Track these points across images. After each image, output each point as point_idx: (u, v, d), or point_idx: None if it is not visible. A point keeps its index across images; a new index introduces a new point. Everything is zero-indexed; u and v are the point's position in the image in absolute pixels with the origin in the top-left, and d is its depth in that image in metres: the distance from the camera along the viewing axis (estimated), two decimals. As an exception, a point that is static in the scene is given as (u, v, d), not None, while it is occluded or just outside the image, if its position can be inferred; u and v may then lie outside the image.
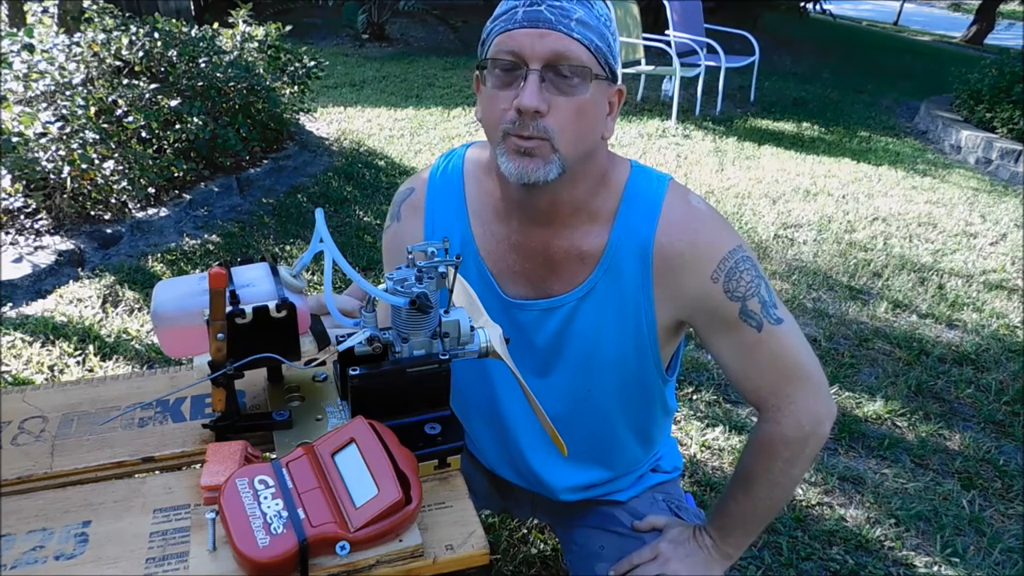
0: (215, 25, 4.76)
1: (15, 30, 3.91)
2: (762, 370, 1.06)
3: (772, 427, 1.08)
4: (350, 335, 0.87)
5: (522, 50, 0.91)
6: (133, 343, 2.49)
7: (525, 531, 1.85)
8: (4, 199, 3.07)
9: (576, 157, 0.97)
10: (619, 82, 1.01)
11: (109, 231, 3.21)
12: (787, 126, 6.19)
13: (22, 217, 3.15)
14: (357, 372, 0.85)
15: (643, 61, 6.33)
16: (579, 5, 0.93)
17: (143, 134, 3.51)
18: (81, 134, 3.19)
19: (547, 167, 0.95)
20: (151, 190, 3.45)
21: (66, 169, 3.11)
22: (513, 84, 0.93)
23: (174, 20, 4.29)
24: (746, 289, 1.03)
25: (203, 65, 3.96)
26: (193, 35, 4.25)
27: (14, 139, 3.03)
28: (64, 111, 3.25)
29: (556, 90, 0.92)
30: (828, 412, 1.08)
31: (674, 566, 1.14)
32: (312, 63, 4.91)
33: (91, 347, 2.44)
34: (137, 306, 2.74)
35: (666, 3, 6.21)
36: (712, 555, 1.15)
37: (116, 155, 3.30)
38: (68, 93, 3.36)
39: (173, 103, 3.62)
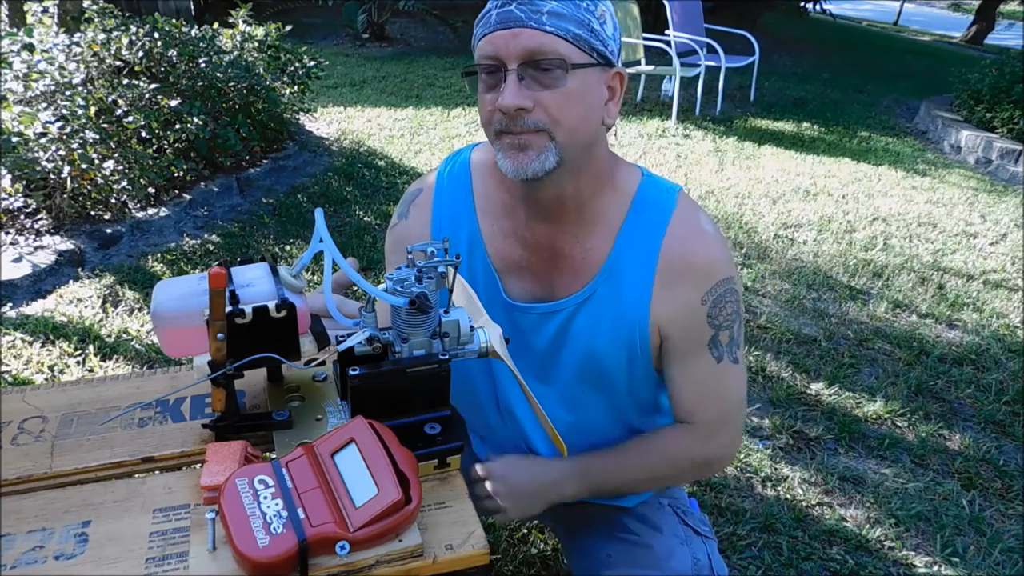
0: (215, 25, 4.76)
1: (15, 30, 3.91)
2: (704, 398, 1.11)
3: (688, 438, 1.13)
4: (350, 335, 0.87)
5: (498, 52, 0.93)
6: (133, 343, 2.49)
7: (525, 531, 1.85)
8: (4, 199, 3.07)
9: (576, 146, 0.98)
10: (618, 65, 1.00)
11: (109, 231, 3.21)
12: (787, 126, 6.19)
13: (22, 217, 3.15)
14: (357, 372, 0.85)
15: (643, 61, 6.33)
16: None
17: (143, 134, 3.51)
18: (81, 134, 3.19)
19: (542, 156, 0.95)
20: (151, 190, 3.45)
21: (66, 169, 3.11)
22: (497, 86, 0.95)
23: (174, 20, 4.29)
24: (723, 320, 1.06)
25: (203, 65, 3.96)
26: (193, 35, 4.25)
27: (14, 139, 3.03)
28: (64, 111, 3.25)
29: (539, 85, 0.93)
30: (731, 458, 1.19)
31: (496, 487, 1.10)
32: (312, 63, 4.91)
33: (91, 347, 2.44)
34: (137, 306, 2.74)
35: (666, 3, 6.21)
36: (544, 487, 1.13)
37: (116, 155, 3.30)
38: (68, 93, 3.36)
39: (173, 103, 3.62)
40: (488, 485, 1.12)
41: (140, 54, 3.77)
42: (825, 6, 11.89)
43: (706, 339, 1.06)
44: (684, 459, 1.14)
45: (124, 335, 2.53)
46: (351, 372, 0.85)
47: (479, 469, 1.13)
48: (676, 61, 5.88)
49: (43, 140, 3.11)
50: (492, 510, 1.11)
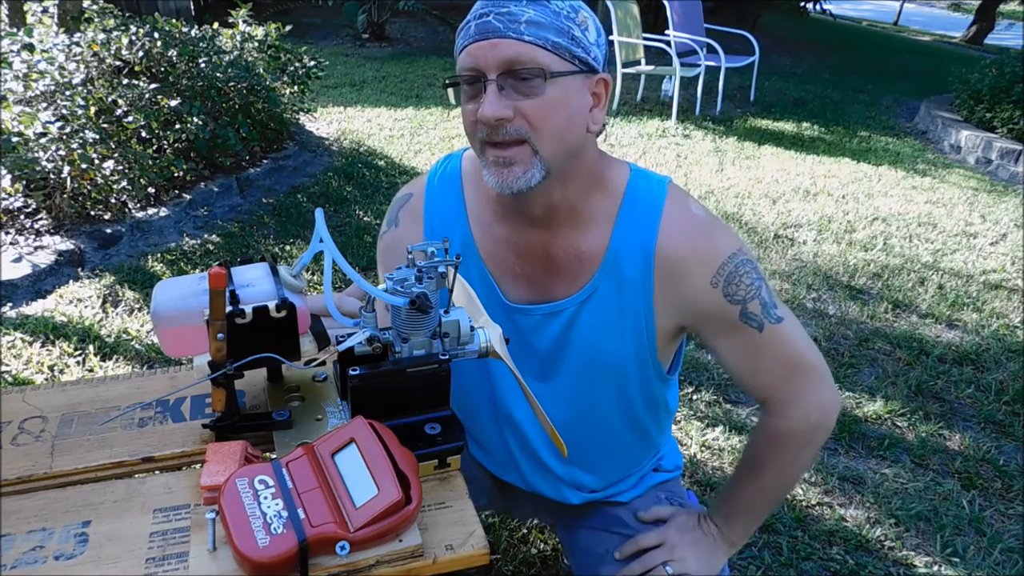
0: (215, 25, 4.76)
1: (15, 30, 3.91)
2: (767, 368, 1.08)
3: (780, 420, 1.10)
4: (350, 335, 0.87)
5: (477, 63, 0.93)
6: (133, 343, 2.49)
7: (525, 531, 1.85)
8: (4, 199, 3.07)
9: (561, 155, 0.97)
10: (602, 71, 1.00)
11: (109, 231, 3.21)
12: (787, 126, 6.19)
13: (22, 217, 3.15)
14: (357, 372, 0.85)
15: (643, 61, 6.33)
16: (529, 5, 0.93)
17: (143, 134, 3.51)
18: (81, 134, 3.19)
19: (528, 173, 0.95)
20: (151, 190, 3.45)
21: (66, 169, 3.11)
22: (478, 96, 0.95)
23: (174, 20, 4.29)
24: (746, 292, 1.03)
25: (203, 65, 3.96)
26: (193, 35, 4.26)
27: (14, 139, 3.03)
28: (64, 111, 3.25)
29: (519, 94, 0.93)
30: (834, 403, 1.10)
31: (681, 552, 1.15)
32: (312, 63, 4.91)
33: (91, 347, 2.44)
34: (137, 306, 2.74)
35: (666, 3, 6.21)
36: (717, 542, 1.16)
37: (116, 155, 3.30)
38: (68, 93, 3.37)
39: (173, 103, 3.62)
40: (669, 548, 1.16)
41: (140, 54, 3.77)
42: (825, 6, 11.89)
43: (736, 316, 1.04)
44: (795, 435, 1.10)
45: (124, 335, 2.53)
46: (351, 372, 0.85)
47: (651, 538, 1.18)
48: (676, 61, 5.88)
49: (43, 140, 3.11)
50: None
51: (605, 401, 1.16)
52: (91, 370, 2.34)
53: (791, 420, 1.09)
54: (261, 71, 4.35)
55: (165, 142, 3.63)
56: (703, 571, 1.15)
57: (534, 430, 1.20)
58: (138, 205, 3.41)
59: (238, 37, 4.62)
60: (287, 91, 4.67)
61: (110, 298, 2.78)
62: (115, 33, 3.84)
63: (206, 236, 3.40)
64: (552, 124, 0.95)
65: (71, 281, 2.89)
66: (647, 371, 1.13)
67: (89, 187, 3.22)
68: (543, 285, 1.10)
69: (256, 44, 4.62)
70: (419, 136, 5.13)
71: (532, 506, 1.39)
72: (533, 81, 0.92)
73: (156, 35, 3.90)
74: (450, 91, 1.02)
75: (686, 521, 1.20)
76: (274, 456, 0.86)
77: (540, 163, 0.96)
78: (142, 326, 2.60)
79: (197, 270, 3.05)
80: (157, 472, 0.90)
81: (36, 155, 3.06)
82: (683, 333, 1.14)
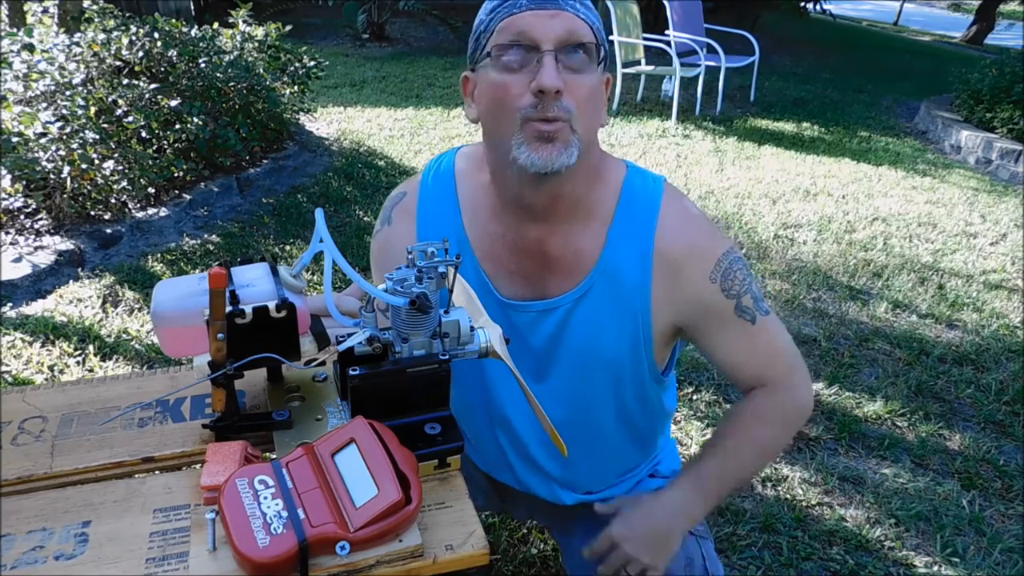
0: (215, 25, 4.76)
1: (15, 30, 3.91)
2: (762, 357, 1.11)
3: (772, 398, 1.12)
4: (350, 335, 0.87)
5: (533, 31, 0.91)
6: (133, 343, 2.50)
7: (525, 531, 1.85)
8: (4, 199, 3.07)
9: (587, 140, 0.98)
10: (605, 70, 1.02)
11: (109, 231, 3.22)
12: (787, 126, 6.19)
13: (22, 217, 3.15)
14: (357, 372, 0.85)
15: (643, 61, 6.33)
16: None
17: (143, 134, 3.51)
18: (81, 134, 3.19)
19: (568, 151, 0.94)
20: (151, 190, 3.45)
21: (66, 169, 3.11)
22: (525, 68, 0.92)
23: (174, 20, 4.29)
24: (740, 287, 1.06)
25: (203, 65, 3.96)
26: (193, 35, 4.26)
27: (14, 139, 3.03)
28: (64, 111, 3.25)
29: (570, 70, 0.92)
30: (810, 391, 1.17)
31: (631, 548, 1.09)
32: (312, 63, 4.92)
33: (91, 347, 2.44)
34: (137, 306, 2.74)
35: (666, 3, 6.21)
36: (672, 524, 1.10)
37: (116, 155, 3.30)
38: (68, 93, 3.37)
39: (173, 103, 3.62)
40: (621, 551, 1.10)
41: (140, 54, 3.77)
42: (825, 6, 11.88)
43: (731, 310, 1.06)
44: (777, 421, 1.13)
45: (124, 335, 2.54)
46: (351, 372, 0.84)
47: (603, 541, 1.12)
48: (676, 61, 5.88)
49: (43, 140, 3.11)
50: (643, 570, 1.10)
51: (600, 401, 1.15)
52: (91, 370, 2.34)
53: (782, 403, 1.13)
54: (261, 71, 4.35)
55: (165, 142, 3.63)
56: (660, 557, 1.10)
57: (528, 430, 1.19)
58: (138, 205, 3.41)
59: (238, 37, 4.62)
60: (287, 91, 4.67)
61: (110, 298, 2.78)
62: (115, 33, 3.84)
63: (206, 236, 3.40)
64: (591, 106, 0.96)
65: (71, 281, 2.89)
66: (641, 371, 1.12)
67: (89, 187, 3.22)
68: (538, 282, 1.09)
69: (256, 44, 4.62)
70: (419, 136, 5.13)
71: (528, 507, 1.38)
72: (583, 57, 0.93)
73: (156, 35, 3.90)
74: (480, 67, 0.98)
75: (633, 515, 1.13)
76: (274, 456, 0.86)
77: (577, 142, 0.95)
78: (142, 326, 2.60)
79: (197, 270, 3.05)
80: (157, 472, 0.90)
81: (36, 155, 3.07)
82: (678, 336, 1.14)
